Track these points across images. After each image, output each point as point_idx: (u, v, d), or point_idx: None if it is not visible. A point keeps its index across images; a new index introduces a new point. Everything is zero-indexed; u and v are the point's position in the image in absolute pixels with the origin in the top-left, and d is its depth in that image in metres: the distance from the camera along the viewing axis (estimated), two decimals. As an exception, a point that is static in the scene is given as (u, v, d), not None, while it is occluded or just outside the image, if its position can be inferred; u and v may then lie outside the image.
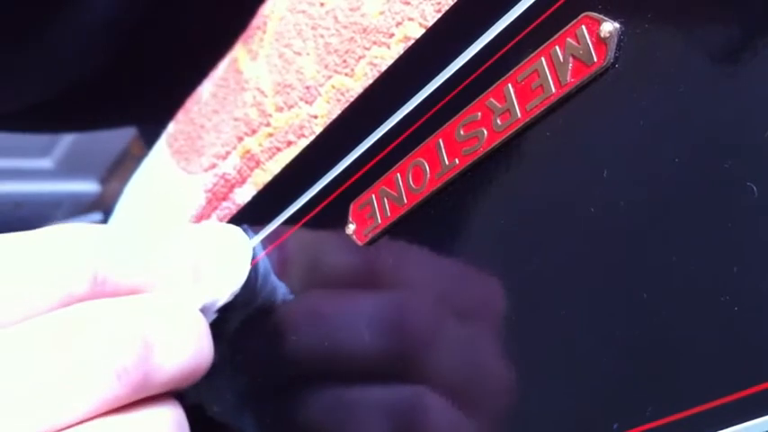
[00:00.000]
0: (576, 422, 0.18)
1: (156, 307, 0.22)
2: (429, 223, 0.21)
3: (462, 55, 0.20)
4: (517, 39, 0.19)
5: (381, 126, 0.22)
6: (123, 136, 1.48)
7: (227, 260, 0.25)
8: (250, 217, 0.26)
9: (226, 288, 0.25)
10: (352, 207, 0.23)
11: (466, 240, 0.20)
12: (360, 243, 0.22)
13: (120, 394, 0.21)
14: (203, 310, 0.24)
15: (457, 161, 0.20)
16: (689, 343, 0.16)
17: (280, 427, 0.25)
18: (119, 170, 1.63)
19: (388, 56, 0.26)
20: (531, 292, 0.19)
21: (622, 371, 0.17)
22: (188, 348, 0.22)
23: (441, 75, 0.21)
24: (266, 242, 0.26)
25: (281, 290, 0.25)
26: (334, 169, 0.23)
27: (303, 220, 0.24)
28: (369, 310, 0.22)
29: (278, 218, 0.25)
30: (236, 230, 0.26)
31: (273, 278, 0.25)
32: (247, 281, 0.25)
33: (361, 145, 0.22)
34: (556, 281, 0.18)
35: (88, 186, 1.68)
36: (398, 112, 0.21)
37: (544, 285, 0.18)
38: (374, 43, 0.27)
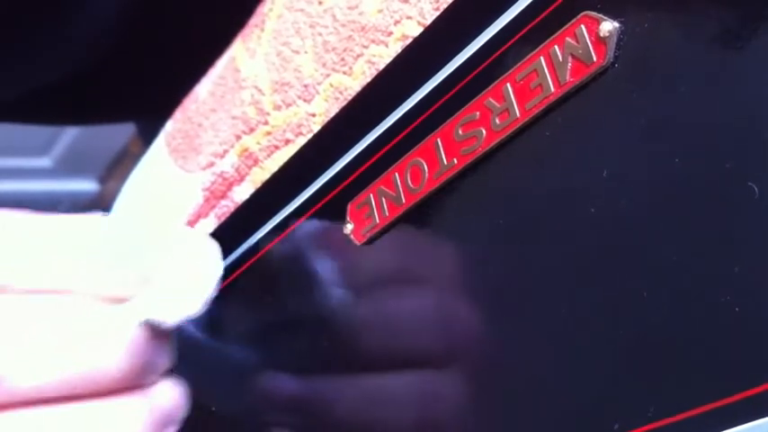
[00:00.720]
0: (576, 422, 0.18)
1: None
2: (427, 223, 0.21)
3: (461, 54, 0.20)
4: (516, 38, 0.19)
5: (379, 125, 0.22)
6: (122, 134, 1.48)
7: (191, 277, 0.23)
8: (248, 215, 0.26)
9: (179, 307, 0.23)
10: (349, 207, 0.22)
11: (465, 240, 0.20)
12: (358, 243, 0.22)
13: None
14: (157, 323, 0.22)
15: (455, 161, 0.20)
16: (690, 343, 0.16)
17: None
18: (118, 169, 1.63)
19: (386, 54, 0.26)
20: (531, 293, 0.18)
21: (623, 371, 0.17)
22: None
23: (439, 74, 0.20)
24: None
25: None
26: (331, 169, 0.23)
27: (300, 220, 0.24)
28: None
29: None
30: (211, 246, 0.24)
31: None
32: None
33: (358, 144, 0.22)
34: (556, 281, 0.18)
35: (87, 185, 1.68)
36: (396, 111, 0.21)
37: (544, 285, 0.18)
38: (372, 41, 0.27)
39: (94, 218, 0.23)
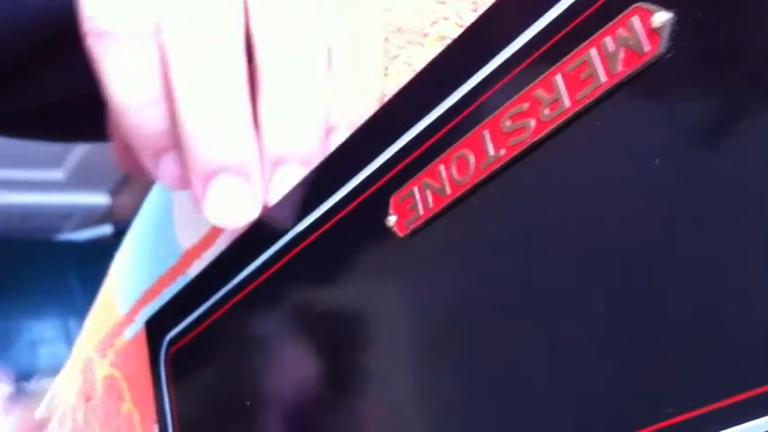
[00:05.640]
0: (577, 421, 0.17)
1: None
2: (473, 214, 0.21)
3: (510, 46, 0.20)
4: (566, 30, 0.19)
5: (424, 118, 0.22)
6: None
7: None
8: (291, 209, 0.26)
9: None
10: (392, 199, 0.22)
11: (510, 232, 0.20)
12: (401, 235, 0.22)
13: None
14: None
15: (503, 152, 0.20)
16: (692, 344, 0.16)
17: None
18: (129, 183, 1.63)
19: (422, 55, 0.26)
20: (553, 289, 0.18)
21: (626, 373, 0.17)
22: None
23: (487, 65, 0.20)
24: None
25: None
26: (374, 162, 0.23)
27: (343, 212, 0.24)
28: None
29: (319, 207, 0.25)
30: None
31: None
32: None
33: (402, 137, 0.22)
34: (587, 275, 0.18)
35: (98, 198, 1.68)
36: (442, 104, 0.21)
37: (578, 279, 0.18)
38: (408, 43, 0.28)
39: None
